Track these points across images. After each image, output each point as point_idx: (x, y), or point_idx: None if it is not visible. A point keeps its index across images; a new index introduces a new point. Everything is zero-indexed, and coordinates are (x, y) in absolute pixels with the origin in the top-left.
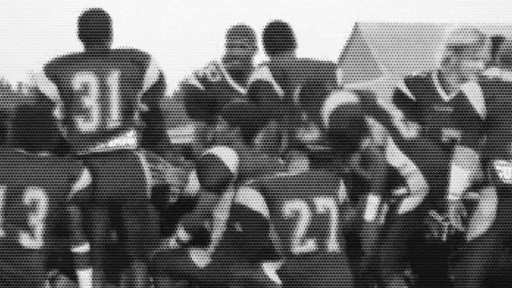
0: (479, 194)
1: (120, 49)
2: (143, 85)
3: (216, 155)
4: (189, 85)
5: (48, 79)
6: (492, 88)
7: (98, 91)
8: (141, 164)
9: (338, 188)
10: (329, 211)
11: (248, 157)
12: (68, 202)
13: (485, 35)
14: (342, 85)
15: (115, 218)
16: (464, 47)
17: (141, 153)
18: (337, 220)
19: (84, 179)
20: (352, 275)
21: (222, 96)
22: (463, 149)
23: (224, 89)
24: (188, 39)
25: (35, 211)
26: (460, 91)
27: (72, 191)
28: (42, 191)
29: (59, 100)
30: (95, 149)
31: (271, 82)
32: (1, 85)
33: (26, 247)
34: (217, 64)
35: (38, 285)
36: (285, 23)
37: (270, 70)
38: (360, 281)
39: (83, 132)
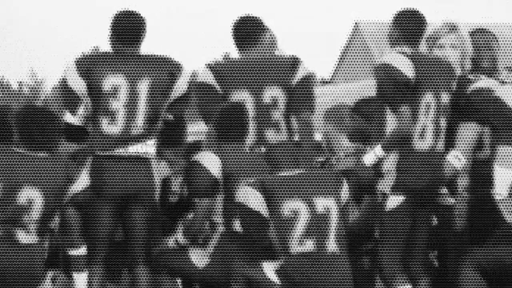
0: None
1: (152, 56)
2: (171, 94)
3: (199, 162)
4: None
5: (79, 75)
6: None
7: (127, 95)
8: (152, 167)
9: (340, 188)
10: (330, 212)
11: (237, 158)
12: (66, 204)
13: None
14: (308, 78)
15: (122, 219)
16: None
17: (153, 158)
18: (337, 221)
19: (82, 181)
20: (352, 276)
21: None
22: (504, 149)
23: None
24: (188, 38)
25: (30, 211)
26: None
27: (69, 192)
28: (38, 190)
29: (86, 97)
30: (114, 152)
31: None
32: (1, 84)
33: (23, 242)
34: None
35: (38, 281)
36: (255, 17)
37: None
38: (361, 282)
39: (106, 133)
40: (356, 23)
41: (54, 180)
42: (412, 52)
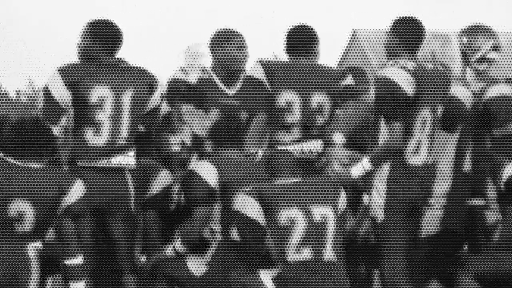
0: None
1: (132, 67)
2: (147, 106)
3: (195, 172)
4: (177, 79)
5: (65, 86)
6: None
7: (112, 107)
8: (127, 178)
9: (338, 196)
10: (327, 220)
11: (234, 166)
12: (61, 215)
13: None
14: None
15: (102, 230)
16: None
17: (130, 169)
18: (334, 229)
19: (76, 191)
20: (349, 284)
21: (208, 94)
22: None
23: (210, 87)
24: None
25: (22, 223)
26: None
27: (63, 203)
28: (29, 203)
29: (69, 108)
30: (98, 164)
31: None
32: None
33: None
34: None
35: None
36: (310, 28)
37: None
38: None
39: (91, 145)
40: (354, 31)
41: (45, 192)
42: (414, 67)
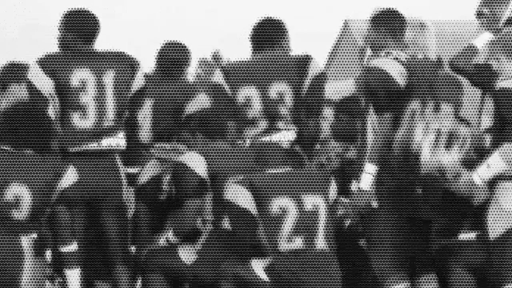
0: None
1: (111, 51)
2: (132, 88)
3: (184, 163)
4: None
5: (45, 74)
6: None
7: (95, 88)
8: (118, 166)
9: (328, 186)
10: (318, 209)
11: (223, 156)
12: (55, 201)
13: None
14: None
15: (94, 220)
16: None
17: (117, 155)
18: (326, 218)
19: (69, 177)
20: (341, 273)
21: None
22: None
23: None
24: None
25: (19, 208)
26: (504, 87)
27: (58, 188)
28: (26, 187)
29: (53, 96)
30: (88, 147)
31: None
32: None
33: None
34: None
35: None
36: (275, 21)
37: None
38: (350, 280)
39: (79, 128)
40: (345, 22)
41: (41, 177)
42: (406, 58)
